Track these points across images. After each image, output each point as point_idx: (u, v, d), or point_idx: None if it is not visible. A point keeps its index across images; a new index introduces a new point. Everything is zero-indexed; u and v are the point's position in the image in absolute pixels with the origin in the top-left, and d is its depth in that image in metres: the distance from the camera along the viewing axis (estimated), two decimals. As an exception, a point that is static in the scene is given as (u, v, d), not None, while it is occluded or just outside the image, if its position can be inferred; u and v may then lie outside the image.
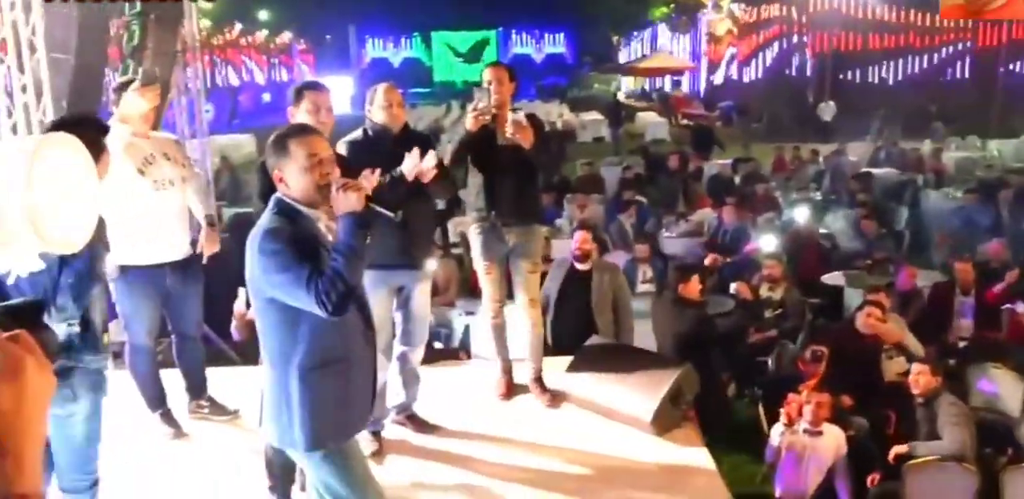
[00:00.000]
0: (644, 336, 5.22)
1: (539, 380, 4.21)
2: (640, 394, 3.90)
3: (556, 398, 4.14)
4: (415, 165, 3.36)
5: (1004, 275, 6.45)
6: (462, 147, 3.77)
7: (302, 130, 2.35)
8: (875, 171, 12.70)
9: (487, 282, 3.99)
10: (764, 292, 6.58)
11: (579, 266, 5.14)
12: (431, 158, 3.43)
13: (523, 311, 4.05)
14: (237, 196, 11.34)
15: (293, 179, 2.28)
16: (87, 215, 1.35)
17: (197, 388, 4.11)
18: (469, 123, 3.68)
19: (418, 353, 3.88)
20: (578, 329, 4.81)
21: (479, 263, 3.97)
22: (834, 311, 7.08)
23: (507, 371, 4.24)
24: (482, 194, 3.88)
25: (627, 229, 9.10)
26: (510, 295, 4.09)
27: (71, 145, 1.33)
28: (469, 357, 5.37)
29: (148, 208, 3.63)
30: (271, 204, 2.33)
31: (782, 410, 4.23)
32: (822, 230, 9.03)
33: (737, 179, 11.95)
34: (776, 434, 4.20)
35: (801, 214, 8.96)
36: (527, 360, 4.20)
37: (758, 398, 5.25)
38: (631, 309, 5.32)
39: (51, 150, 1.28)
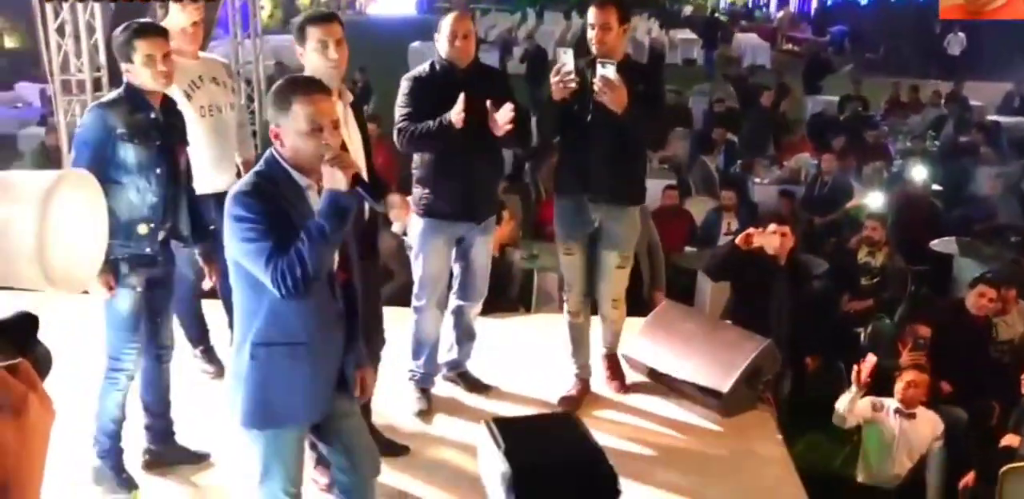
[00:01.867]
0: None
1: (611, 358, 4.03)
2: (713, 371, 3.84)
3: (626, 386, 3.97)
4: (460, 112, 3.23)
5: None
6: (550, 121, 3.53)
7: (309, 86, 2.27)
8: (1004, 120, 12.04)
9: (566, 265, 3.78)
10: (862, 256, 6.36)
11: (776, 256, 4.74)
12: (506, 111, 3.28)
13: (602, 310, 3.85)
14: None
15: (290, 141, 2.23)
16: (94, 254, 1.30)
17: None
18: (554, 92, 3.37)
19: (476, 309, 3.87)
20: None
21: (559, 241, 3.77)
22: (940, 282, 6.85)
23: (584, 379, 3.93)
24: (568, 166, 3.66)
25: (712, 172, 8.85)
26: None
27: (87, 185, 1.28)
28: (528, 310, 5.36)
29: (193, 136, 3.63)
30: (261, 160, 2.29)
31: (854, 367, 4.09)
32: (936, 187, 8.65)
33: (843, 120, 11.49)
34: (844, 397, 4.06)
35: (915, 167, 8.58)
36: (601, 345, 4.01)
37: (843, 373, 5.14)
38: (662, 257, 5.23)
39: (66, 189, 1.22)
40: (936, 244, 7.15)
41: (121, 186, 2.90)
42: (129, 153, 2.90)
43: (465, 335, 3.90)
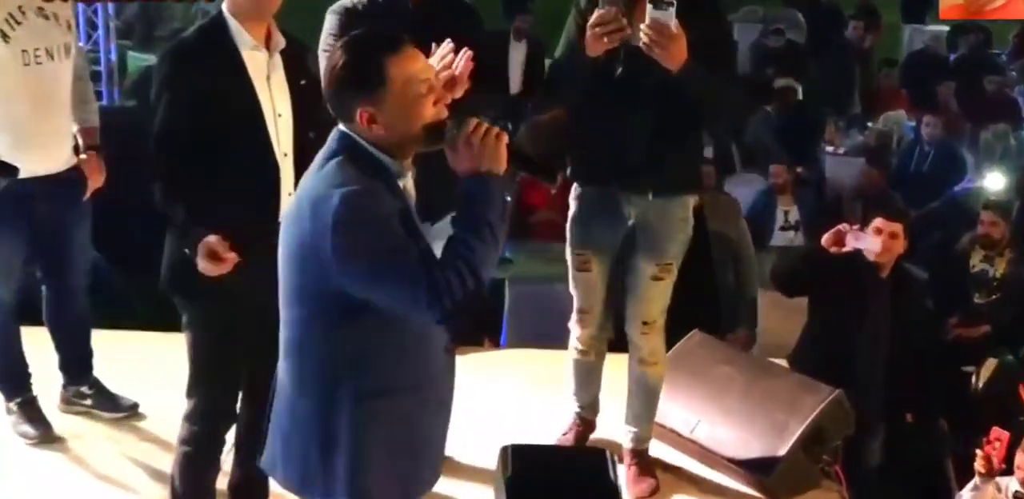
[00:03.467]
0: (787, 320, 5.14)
1: (640, 455, 3.99)
2: (757, 435, 3.90)
3: (656, 491, 3.93)
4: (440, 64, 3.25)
5: None
6: (570, 79, 3.57)
7: (395, 40, 2.37)
8: None
9: (580, 282, 3.80)
10: (976, 262, 6.47)
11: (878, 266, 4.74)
12: (464, 57, 3.31)
13: (632, 339, 3.87)
14: (150, 34, 11.27)
15: (395, 116, 2.33)
16: None
17: (77, 367, 4.19)
18: (589, 44, 3.35)
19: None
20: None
21: (570, 250, 3.79)
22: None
23: (586, 421, 4.09)
24: (589, 144, 3.66)
25: (765, 138, 8.92)
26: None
27: None
28: (497, 343, 5.41)
29: (10, 91, 3.62)
30: (336, 146, 2.38)
31: (978, 452, 4.19)
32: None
33: (954, 62, 11.59)
34: (968, 492, 4.17)
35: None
36: (624, 423, 4.00)
37: (946, 433, 5.22)
38: (755, 270, 5.30)
39: None
40: (1080, 245, 7.29)
41: None
42: None
43: None
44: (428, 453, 2.53)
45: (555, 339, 4.40)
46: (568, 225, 3.80)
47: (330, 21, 3.54)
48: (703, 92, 3.43)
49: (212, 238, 2.94)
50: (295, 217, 2.35)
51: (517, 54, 9.40)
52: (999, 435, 4.18)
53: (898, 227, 4.48)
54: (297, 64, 3.17)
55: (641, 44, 3.28)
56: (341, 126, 2.39)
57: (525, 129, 8.12)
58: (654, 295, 3.76)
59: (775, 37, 11.68)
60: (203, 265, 2.95)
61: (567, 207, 3.88)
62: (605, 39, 3.32)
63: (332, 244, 2.24)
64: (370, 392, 2.38)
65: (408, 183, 2.43)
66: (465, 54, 2.99)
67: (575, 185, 3.79)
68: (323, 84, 2.40)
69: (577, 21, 3.53)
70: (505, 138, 2.32)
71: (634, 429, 3.95)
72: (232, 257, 2.94)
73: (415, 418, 2.45)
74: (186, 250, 3.00)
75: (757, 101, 9.63)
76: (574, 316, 3.90)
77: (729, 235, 5.26)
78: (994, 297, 6.37)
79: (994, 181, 7.58)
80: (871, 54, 11.63)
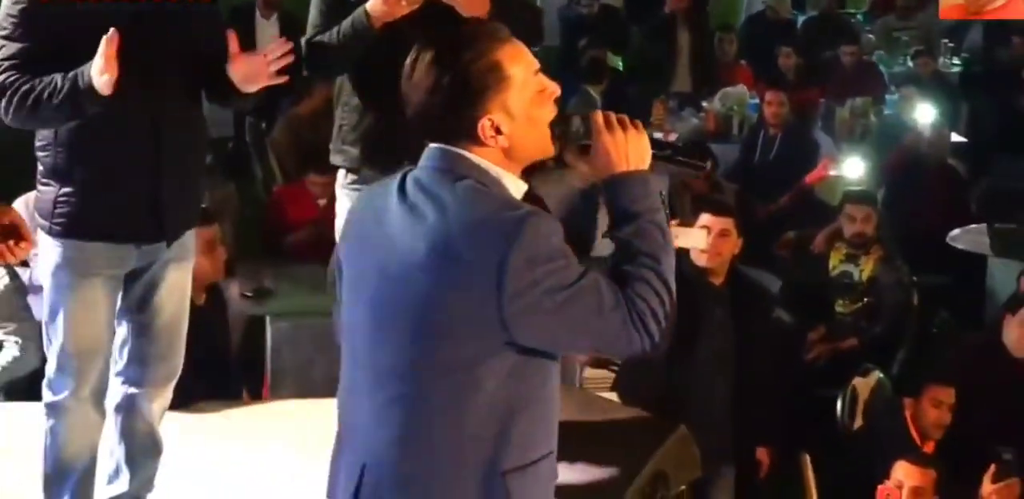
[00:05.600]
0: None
1: None
2: (584, 485, 3.96)
3: None
4: (106, 65, 3.29)
5: None
6: (349, 56, 3.75)
7: (499, 30, 2.46)
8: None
9: None
10: (837, 264, 6.75)
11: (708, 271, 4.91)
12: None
13: None
14: None
15: (522, 122, 2.41)
16: None
17: None
18: (379, 8, 3.57)
19: (163, 397, 3.94)
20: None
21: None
22: (970, 304, 7.37)
23: None
24: (369, 128, 3.85)
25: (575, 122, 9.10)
26: None
27: None
28: (258, 395, 5.42)
29: None
30: (447, 166, 2.42)
31: None
32: (957, 138, 9.29)
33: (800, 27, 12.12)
34: None
35: (919, 104, 9.08)
36: None
37: (806, 470, 5.42)
38: None
39: None
40: (957, 237, 7.63)
41: None
42: None
43: (140, 449, 3.95)
44: None
45: (327, 387, 4.42)
46: (339, 217, 3.90)
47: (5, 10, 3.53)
48: None
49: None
50: (413, 262, 2.35)
51: (267, 31, 9.34)
52: (886, 491, 4.46)
53: (727, 223, 4.71)
54: None
55: None
56: (437, 144, 2.44)
57: (281, 123, 8.16)
58: None
59: (587, 1, 11.87)
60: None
61: (332, 221, 3.94)
62: (404, 2, 3.50)
63: (521, 284, 2.29)
64: (515, 466, 2.45)
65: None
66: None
67: (348, 178, 3.91)
68: (417, 101, 2.43)
69: None
70: (643, 132, 2.46)
71: None
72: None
73: (543, 488, 2.55)
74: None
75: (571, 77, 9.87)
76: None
77: None
78: (860, 304, 6.67)
79: (853, 167, 7.89)
80: (703, 18, 11.95)
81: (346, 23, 3.70)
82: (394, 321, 2.42)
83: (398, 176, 2.49)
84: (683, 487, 4.18)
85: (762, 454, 5.15)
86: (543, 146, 2.46)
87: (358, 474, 2.53)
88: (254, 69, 3.53)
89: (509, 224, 2.30)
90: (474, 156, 2.42)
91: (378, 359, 2.48)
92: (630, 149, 2.43)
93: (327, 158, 4.26)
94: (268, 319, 5.75)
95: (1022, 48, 11.11)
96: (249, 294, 5.73)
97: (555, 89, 2.47)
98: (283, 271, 6.14)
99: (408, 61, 2.43)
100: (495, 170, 2.42)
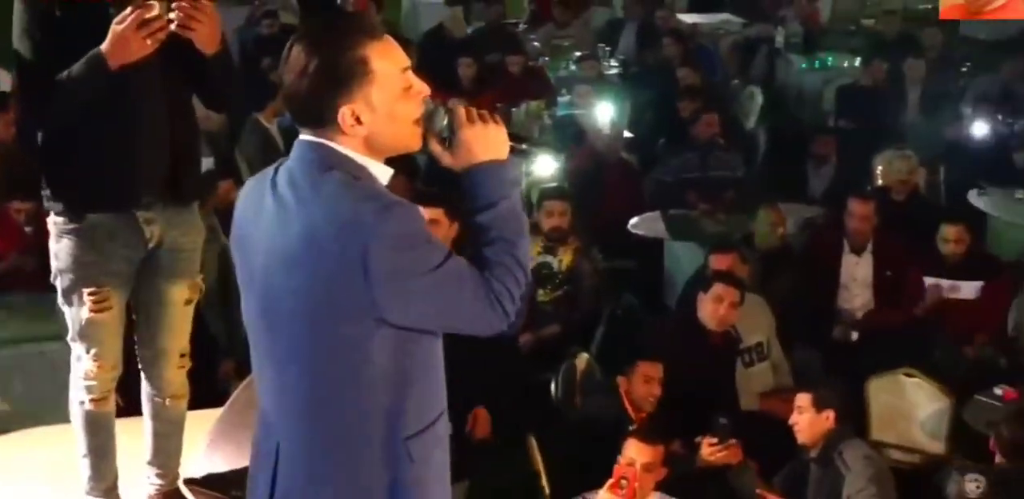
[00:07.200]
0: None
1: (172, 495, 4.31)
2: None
3: None
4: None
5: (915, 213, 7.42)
6: (72, 97, 3.66)
7: (372, 26, 2.59)
8: (701, 19, 13.62)
9: (96, 327, 3.93)
10: (535, 256, 6.94)
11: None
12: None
13: (163, 375, 4.11)
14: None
15: (383, 115, 2.55)
16: None
17: None
18: (119, 50, 3.52)
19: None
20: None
21: (78, 292, 3.91)
22: (655, 284, 7.88)
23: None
24: (108, 163, 3.79)
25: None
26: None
27: None
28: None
29: None
30: (313, 156, 2.56)
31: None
32: (628, 134, 9.75)
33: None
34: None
35: (588, 104, 9.55)
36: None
37: (533, 453, 5.51)
38: None
39: None
40: (637, 225, 8.11)
41: None
42: None
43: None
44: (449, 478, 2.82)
45: (56, 414, 4.45)
46: (66, 266, 3.89)
47: None
48: (228, 77, 3.81)
49: None
50: (287, 255, 2.50)
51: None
52: (624, 472, 4.65)
53: (438, 213, 5.05)
54: None
55: (174, 26, 3.52)
56: (306, 136, 2.57)
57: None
58: (185, 322, 4.06)
59: (268, 21, 11.88)
60: None
61: (41, 249, 3.98)
62: (148, 41, 3.50)
63: (385, 271, 2.44)
64: (413, 431, 2.63)
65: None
66: None
67: (60, 220, 3.89)
68: (288, 83, 2.53)
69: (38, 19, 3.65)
70: (502, 124, 2.62)
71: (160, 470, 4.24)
72: None
73: (440, 451, 2.73)
74: None
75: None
76: (87, 366, 3.99)
77: None
78: (560, 292, 6.99)
79: (541, 165, 8.01)
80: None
81: (78, 67, 3.60)
82: (280, 311, 2.57)
83: (272, 169, 2.65)
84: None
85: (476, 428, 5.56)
86: (404, 140, 2.61)
87: (274, 452, 2.68)
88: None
89: (370, 214, 2.45)
90: (339, 146, 2.56)
91: (274, 346, 2.63)
92: (490, 141, 2.58)
93: (32, 183, 4.23)
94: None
95: (672, 48, 11.60)
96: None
97: (422, 88, 2.61)
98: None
99: (288, 44, 2.58)
100: (360, 159, 2.57)
